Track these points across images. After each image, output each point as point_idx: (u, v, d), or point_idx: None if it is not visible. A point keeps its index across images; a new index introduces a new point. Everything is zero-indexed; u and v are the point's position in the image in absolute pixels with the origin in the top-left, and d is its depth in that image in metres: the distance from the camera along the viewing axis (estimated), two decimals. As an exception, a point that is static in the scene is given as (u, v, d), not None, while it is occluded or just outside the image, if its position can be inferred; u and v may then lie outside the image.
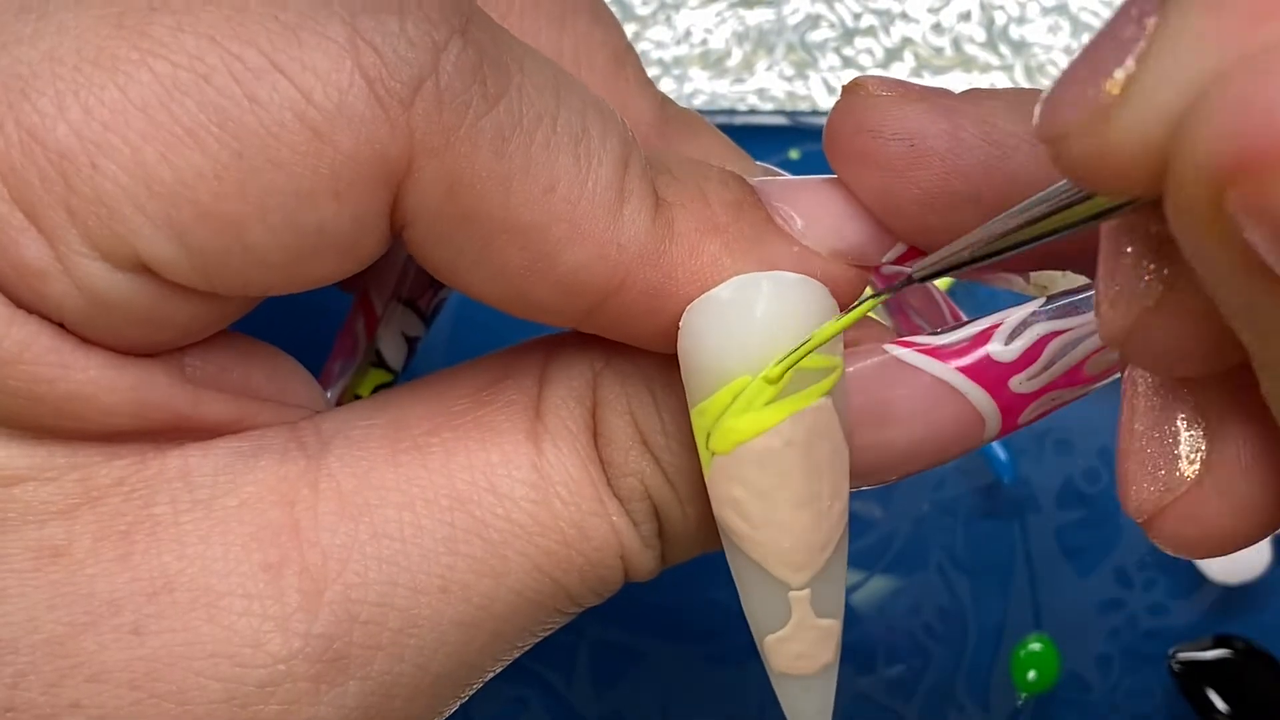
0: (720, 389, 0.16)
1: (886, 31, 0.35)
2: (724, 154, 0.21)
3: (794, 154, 0.32)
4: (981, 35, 0.35)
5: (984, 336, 0.18)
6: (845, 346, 0.17)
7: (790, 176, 0.19)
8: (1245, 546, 0.15)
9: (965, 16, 0.35)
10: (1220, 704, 0.30)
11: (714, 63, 0.35)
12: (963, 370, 0.17)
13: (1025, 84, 0.35)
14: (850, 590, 0.31)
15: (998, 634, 0.31)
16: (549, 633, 0.19)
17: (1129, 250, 0.14)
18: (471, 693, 0.19)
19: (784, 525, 0.17)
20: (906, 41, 0.35)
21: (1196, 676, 0.30)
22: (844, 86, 0.18)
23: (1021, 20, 0.35)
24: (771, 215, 0.18)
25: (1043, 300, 0.17)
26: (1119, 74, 0.11)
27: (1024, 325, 0.17)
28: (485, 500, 0.17)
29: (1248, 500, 0.15)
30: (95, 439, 0.17)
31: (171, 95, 0.15)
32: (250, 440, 0.17)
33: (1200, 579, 0.31)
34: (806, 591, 0.17)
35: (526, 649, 0.19)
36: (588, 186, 0.16)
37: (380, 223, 0.16)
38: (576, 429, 0.18)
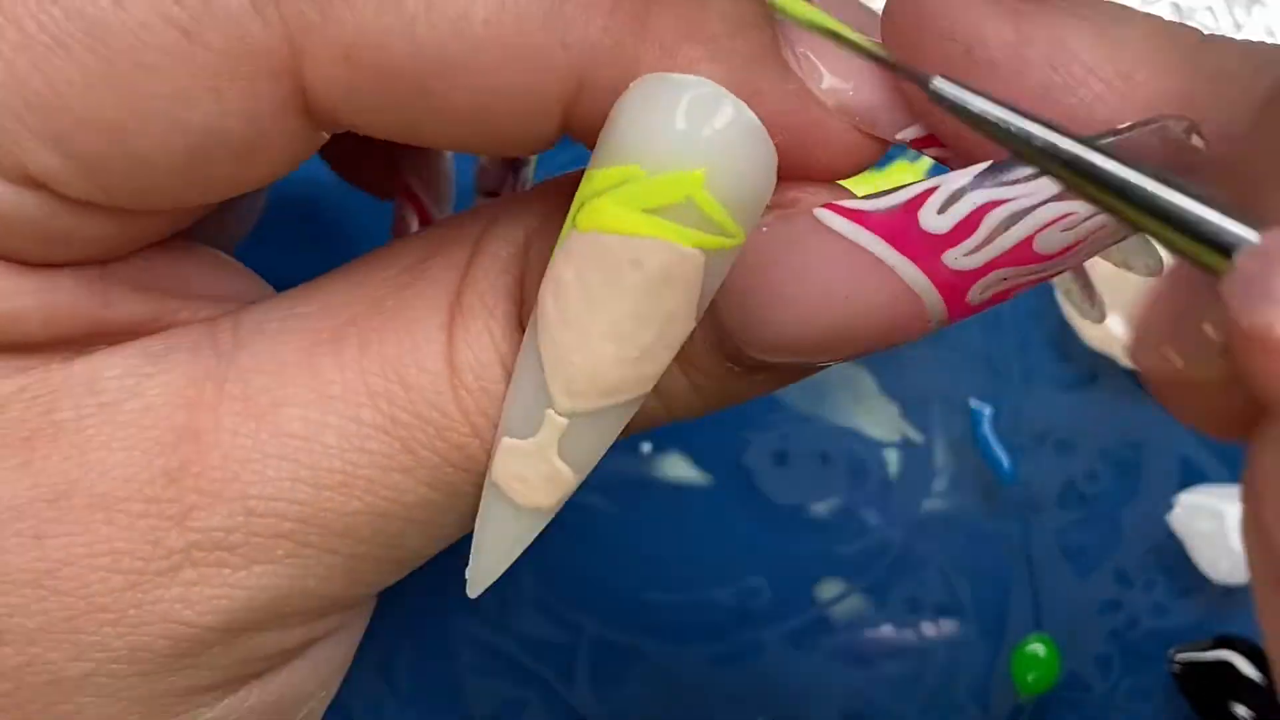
0: (613, 166, 0.15)
1: (887, 31, 0.35)
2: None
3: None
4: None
5: (915, 203, 0.15)
6: (776, 208, 0.16)
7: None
8: None
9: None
10: (1222, 704, 0.30)
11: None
12: (889, 240, 0.15)
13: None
14: (850, 590, 0.31)
15: (998, 634, 0.31)
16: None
17: (1209, 326, 0.12)
18: (407, 571, 0.19)
19: (585, 341, 0.16)
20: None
21: (1197, 677, 0.30)
22: None
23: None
24: (783, 48, 0.16)
25: (985, 166, 0.15)
26: None
27: (960, 193, 0.15)
28: (395, 393, 0.17)
29: None
30: (5, 350, 0.17)
31: (40, 5, 0.15)
32: (161, 340, 0.17)
33: (1201, 579, 0.31)
34: (563, 423, 0.16)
35: (468, 529, 0.18)
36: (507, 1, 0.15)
37: (284, 118, 0.16)
38: (494, 305, 0.17)
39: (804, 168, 0.16)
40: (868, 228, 0.15)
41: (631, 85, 0.15)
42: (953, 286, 0.16)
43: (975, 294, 0.16)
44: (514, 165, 0.23)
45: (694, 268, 0.15)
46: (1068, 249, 0.15)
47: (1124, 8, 0.16)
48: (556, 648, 0.31)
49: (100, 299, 0.17)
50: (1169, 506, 0.31)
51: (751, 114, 0.15)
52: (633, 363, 0.16)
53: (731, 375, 0.17)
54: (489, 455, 0.17)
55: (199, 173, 0.16)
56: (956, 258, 0.15)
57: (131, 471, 0.16)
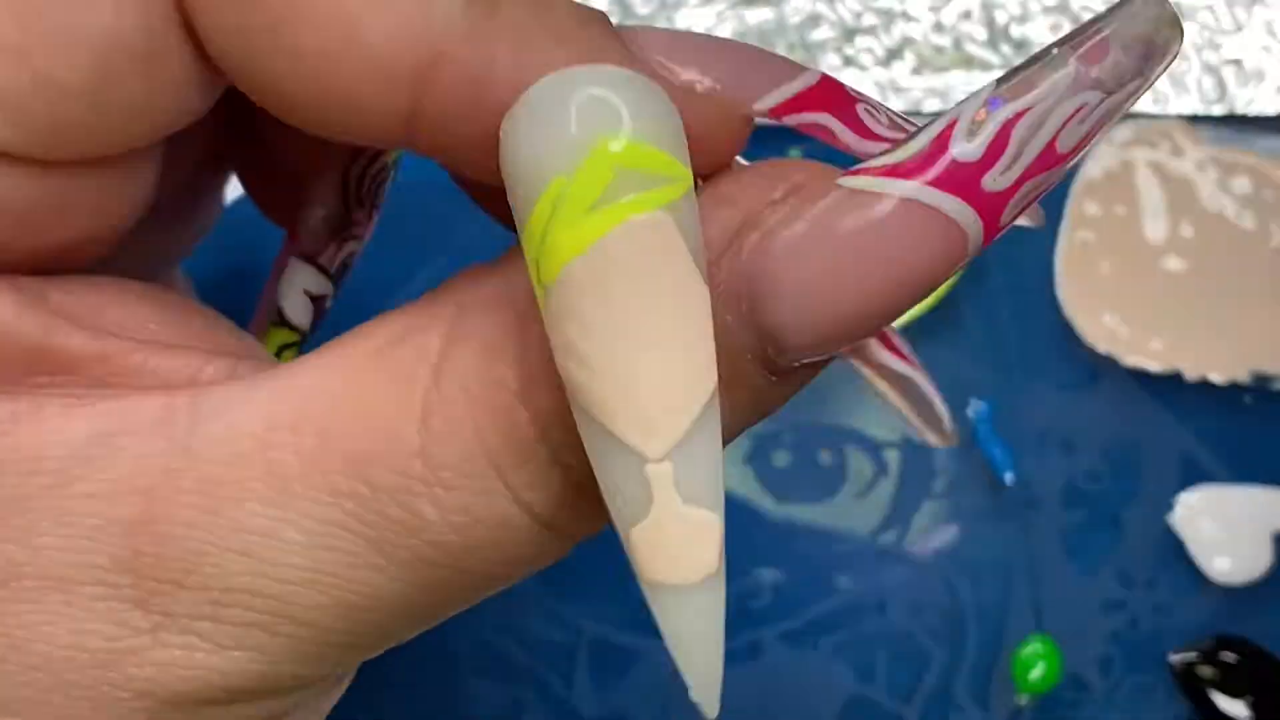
0: (540, 197, 0.14)
1: (887, 30, 0.35)
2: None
3: (795, 152, 0.32)
4: (983, 34, 0.35)
5: (943, 139, 0.15)
6: (794, 192, 0.15)
7: (656, 28, 0.17)
8: None
9: (966, 15, 0.35)
10: (1223, 705, 0.30)
11: (714, 62, 0.35)
12: (931, 183, 0.15)
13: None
14: (850, 590, 0.31)
15: (998, 634, 0.31)
16: (485, 597, 0.17)
17: None
18: (388, 647, 0.18)
19: (626, 372, 0.14)
20: (907, 40, 0.35)
21: (1198, 677, 0.30)
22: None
23: (1023, 19, 0.35)
24: (625, 42, 0.16)
25: (991, 84, 0.15)
26: None
27: (983, 114, 0.15)
28: (360, 494, 0.16)
29: None
30: None
31: None
32: (112, 417, 0.16)
33: (1202, 580, 0.31)
34: (668, 466, 0.15)
35: (458, 611, 0.17)
36: None
37: (173, 29, 0.15)
38: (479, 392, 0.16)
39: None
40: (905, 177, 0.15)
41: (503, 127, 0.15)
42: (992, 210, 0.15)
43: (1007, 214, 0.15)
44: (339, 233, 0.23)
45: (668, 228, 0.14)
46: (1083, 140, 0.15)
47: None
48: (556, 648, 0.31)
49: (40, 324, 0.16)
50: (1169, 506, 0.31)
51: (618, 67, 0.15)
52: (682, 359, 0.15)
53: (769, 387, 0.16)
54: (482, 558, 0.16)
55: (106, 95, 0.15)
56: (994, 178, 0.15)
57: (83, 559, 0.16)
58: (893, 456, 0.32)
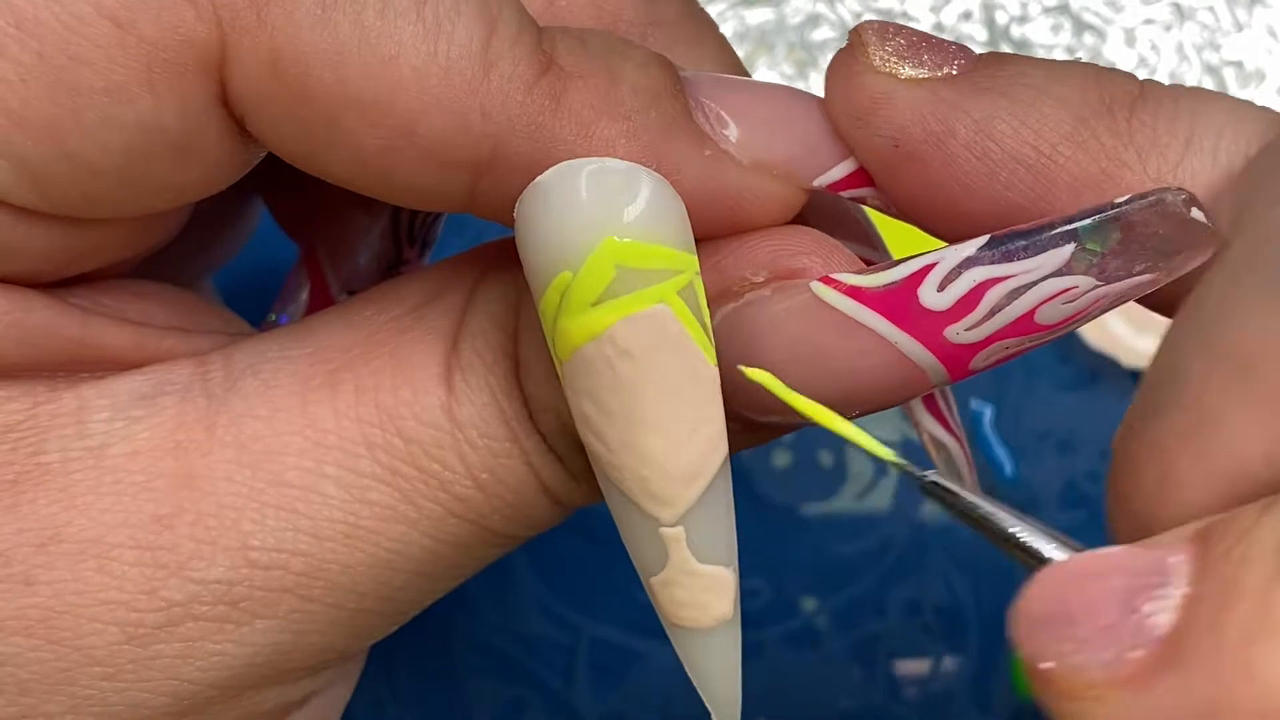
0: (549, 288, 0.15)
1: (887, 31, 0.35)
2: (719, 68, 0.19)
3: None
4: (983, 34, 0.35)
5: (915, 279, 0.15)
6: (778, 277, 0.16)
7: (732, 77, 0.17)
8: None
9: (967, 16, 0.35)
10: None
11: (715, 62, 0.35)
12: (890, 318, 0.15)
13: (1027, 83, 0.35)
14: (850, 590, 0.31)
15: (998, 634, 0.31)
16: (491, 561, 0.18)
17: None
18: (406, 619, 0.18)
19: (638, 450, 0.15)
20: (908, 41, 0.35)
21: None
22: (850, 32, 0.16)
23: (1023, 19, 0.35)
24: (693, 110, 0.16)
25: (984, 240, 0.15)
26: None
27: (959, 269, 0.15)
28: (394, 445, 0.16)
29: None
30: None
31: None
32: (151, 378, 0.17)
33: (1201, 580, 0.31)
34: (680, 530, 0.16)
35: (468, 576, 0.18)
36: (438, 53, 0.15)
37: (214, 117, 0.15)
38: (493, 360, 0.17)
39: (733, 226, 0.16)
40: (866, 304, 0.15)
41: (517, 210, 0.15)
42: (955, 357, 0.16)
43: (979, 361, 0.16)
44: (389, 273, 0.23)
45: (670, 318, 0.15)
46: (1069, 319, 0.16)
47: (1062, 66, 0.16)
48: (556, 648, 0.31)
49: (77, 321, 0.17)
50: (1170, 507, 0.31)
51: (615, 161, 0.15)
52: (688, 437, 0.16)
53: (736, 433, 0.17)
54: (498, 515, 0.17)
55: (138, 174, 0.16)
56: (958, 332, 0.15)
57: (121, 517, 0.16)
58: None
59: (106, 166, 0.15)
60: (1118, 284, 0.15)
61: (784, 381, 0.16)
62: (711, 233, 0.16)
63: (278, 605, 0.16)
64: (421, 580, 0.17)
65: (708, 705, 0.17)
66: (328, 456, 0.16)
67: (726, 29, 0.35)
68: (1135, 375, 0.32)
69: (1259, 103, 0.16)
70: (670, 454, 0.15)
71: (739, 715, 0.17)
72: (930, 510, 0.32)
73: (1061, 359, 0.32)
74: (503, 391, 0.17)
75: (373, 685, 0.30)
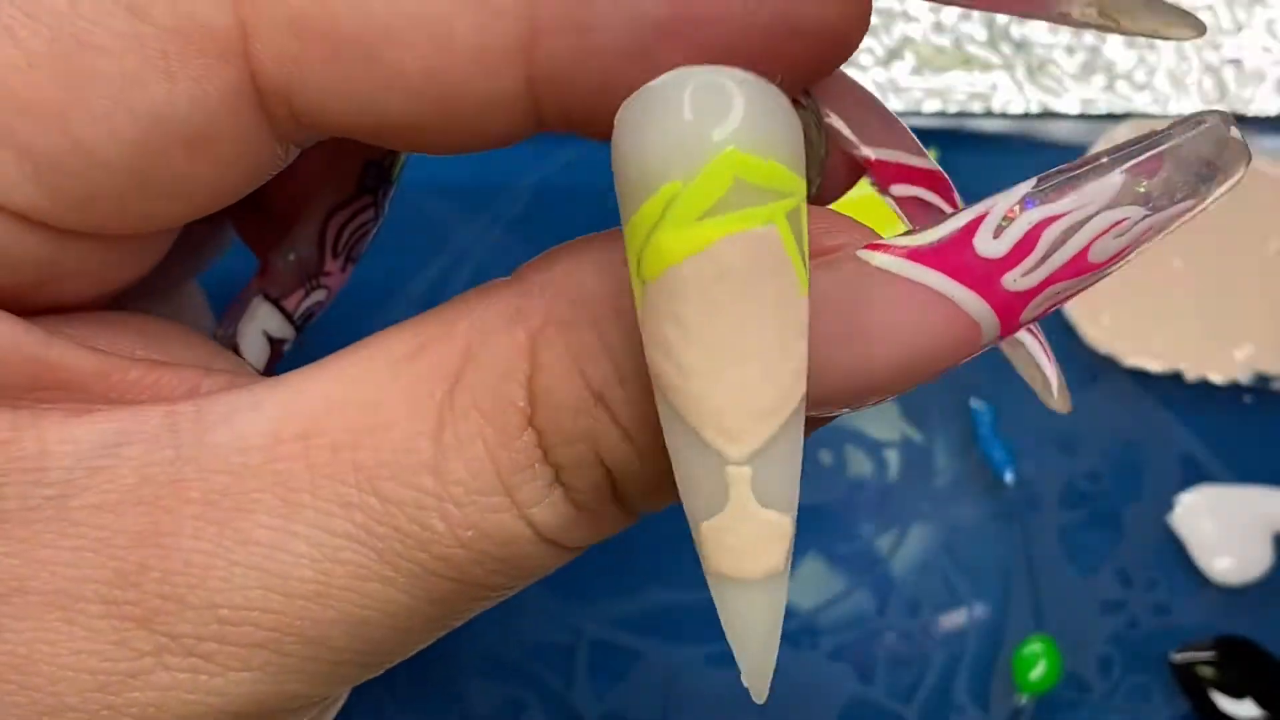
0: (650, 198, 0.14)
1: (887, 30, 0.35)
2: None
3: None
4: (982, 34, 0.35)
5: (969, 230, 0.15)
6: (814, 255, 0.15)
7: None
8: None
9: (966, 15, 0.35)
10: (1224, 705, 0.30)
11: (714, 62, 0.35)
12: (947, 273, 0.15)
13: (1026, 83, 0.35)
14: (850, 590, 0.31)
15: (998, 634, 0.31)
16: (480, 612, 0.18)
17: None
18: (393, 664, 0.18)
19: (719, 377, 0.14)
20: (907, 40, 0.35)
21: (1198, 677, 0.30)
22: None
23: (1023, 19, 0.35)
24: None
25: (1033, 182, 0.15)
26: None
27: (1013, 213, 0.15)
28: (370, 505, 0.16)
29: None
30: None
31: None
32: (116, 424, 0.16)
33: (1202, 580, 0.31)
34: (747, 470, 0.15)
35: (457, 626, 0.18)
36: None
37: (235, 108, 0.15)
38: (492, 409, 0.16)
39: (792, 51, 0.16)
40: (922, 262, 0.15)
41: (619, 116, 0.14)
42: (1009, 308, 0.15)
43: (1029, 312, 0.16)
44: (308, 280, 0.22)
45: (774, 244, 0.14)
46: (1119, 253, 0.15)
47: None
48: (556, 648, 0.31)
49: (39, 341, 0.16)
50: (1170, 506, 0.31)
51: (737, 70, 0.14)
52: (775, 369, 0.15)
53: None
54: (484, 570, 0.16)
55: (148, 169, 0.15)
56: (1015, 279, 0.15)
57: (85, 572, 0.15)
58: (892, 456, 0.32)
59: (115, 157, 0.15)
60: (1161, 213, 0.15)
61: (843, 359, 0.15)
62: (772, 55, 0.16)
63: (250, 659, 0.16)
64: (402, 634, 0.17)
65: (739, 661, 0.16)
66: (299, 515, 0.16)
67: (726, 29, 0.35)
68: (1135, 375, 0.32)
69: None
70: (753, 385, 0.14)
71: (769, 677, 0.16)
72: (930, 510, 0.32)
73: (1061, 359, 0.32)
74: (500, 442, 0.16)
75: (372, 686, 0.30)
